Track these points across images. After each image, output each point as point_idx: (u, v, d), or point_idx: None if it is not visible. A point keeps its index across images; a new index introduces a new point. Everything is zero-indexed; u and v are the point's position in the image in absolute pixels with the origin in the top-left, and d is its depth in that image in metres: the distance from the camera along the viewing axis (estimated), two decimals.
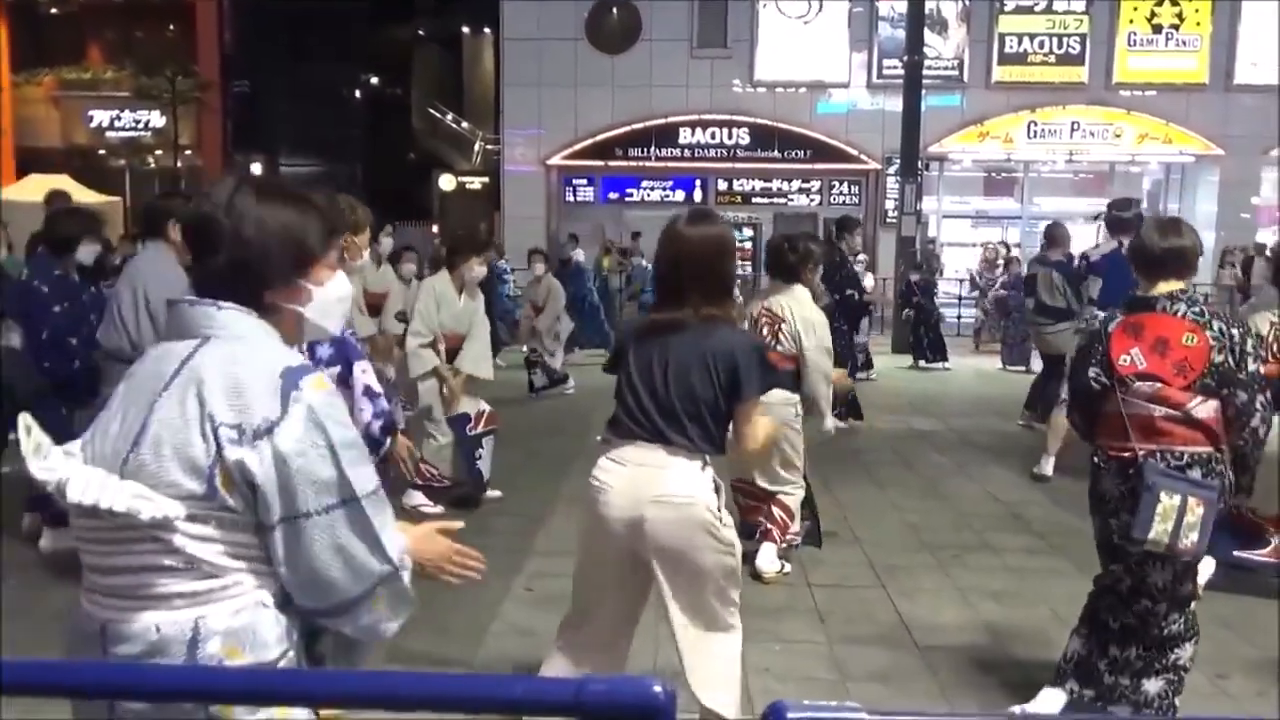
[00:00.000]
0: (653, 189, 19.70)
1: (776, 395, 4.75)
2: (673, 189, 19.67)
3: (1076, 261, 7.03)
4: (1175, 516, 2.86)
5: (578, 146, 19.26)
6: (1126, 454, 3.01)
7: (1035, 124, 19.34)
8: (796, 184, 19.65)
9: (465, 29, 30.42)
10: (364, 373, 3.23)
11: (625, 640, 2.93)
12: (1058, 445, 6.74)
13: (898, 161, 15.95)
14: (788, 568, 4.83)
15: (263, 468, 1.44)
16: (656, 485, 2.66)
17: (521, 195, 19.25)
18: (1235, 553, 4.58)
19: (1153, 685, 3.12)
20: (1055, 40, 19.14)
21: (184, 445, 1.44)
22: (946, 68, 19.16)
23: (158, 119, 21.68)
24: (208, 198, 1.61)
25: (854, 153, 19.22)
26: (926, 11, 16.51)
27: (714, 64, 19.06)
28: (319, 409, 1.49)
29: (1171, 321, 3.03)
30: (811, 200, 19.62)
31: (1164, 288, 3.12)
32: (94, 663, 1.43)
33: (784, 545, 4.88)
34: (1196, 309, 3.09)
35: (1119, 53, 19.09)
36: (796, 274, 4.78)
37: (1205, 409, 3.00)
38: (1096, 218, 6.71)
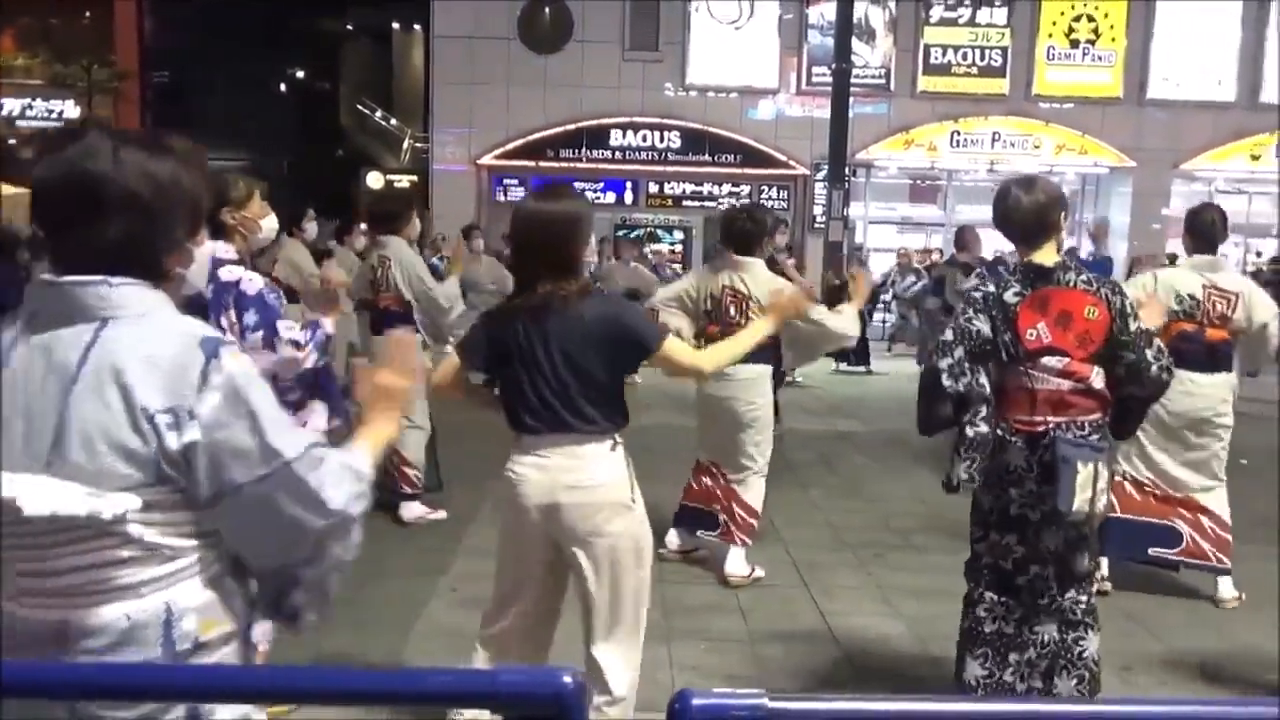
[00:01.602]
0: (584, 190, 19.71)
1: (754, 369, 4.73)
2: (604, 190, 19.70)
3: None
4: (1092, 484, 2.92)
5: (509, 146, 19.18)
6: (1037, 427, 3.02)
7: (958, 133, 19.82)
8: (727, 188, 19.83)
9: (396, 25, 30.07)
10: (289, 329, 3.26)
11: (547, 632, 2.96)
12: None
13: (826, 167, 16.20)
14: (759, 571, 4.86)
15: (197, 447, 1.42)
16: (571, 474, 2.71)
17: (451, 194, 19.08)
18: (1150, 550, 4.72)
19: (1065, 684, 3.11)
20: (978, 52, 19.64)
21: (120, 440, 1.39)
22: (874, 76, 19.52)
23: (72, 109, 21.00)
24: (65, 155, 1.44)
25: (783, 158, 19.48)
26: (855, 21, 16.80)
27: (646, 66, 19.16)
28: (239, 378, 1.45)
29: (1073, 295, 3.05)
30: (741, 204, 19.82)
31: (1047, 253, 3.10)
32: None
33: (748, 546, 4.88)
34: (1084, 277, 3.12)
35: (1038, 66, 19.66)
36: (751, 245, 4.78)
37: (1099, 378, 3.07)
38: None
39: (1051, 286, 3.05)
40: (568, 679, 0.89)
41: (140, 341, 1.42)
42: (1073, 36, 19.63)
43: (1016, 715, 1.32)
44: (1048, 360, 3.02)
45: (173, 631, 1.43)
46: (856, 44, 18.30)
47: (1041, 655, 3.12)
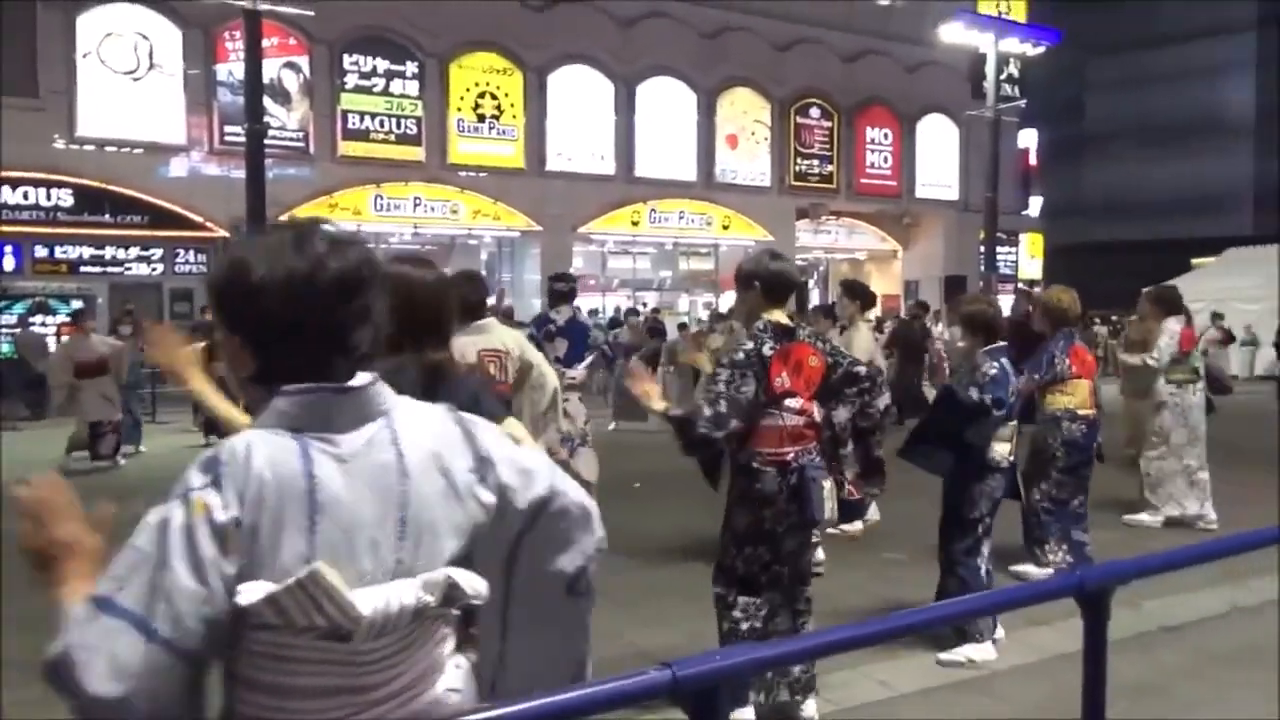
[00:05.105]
0: None
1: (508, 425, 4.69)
2: None
3: (544, 325, 7.52)
4: (832, 496, 3.63)
5: None
6: (785, 457, 3.61)
7: (382, 198, 20.30)
8: (135, 251, 18.06)
9: None
10: None
11: None
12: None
13: (246, 229, 15.53)
14: None
15: (502, 474, 1.48)
16: None
17: None
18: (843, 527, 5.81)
19: (809, 623, 3.82)
20: (394, 120, 20.35)
21: (454, 518, 1.42)
22: (293, 139, 19.24)
23: None
24: (353, 247, 1.42)
25: (198, 219, 18.28)
26: (266, 81, 16.42)
27: (24, 115, 16.72)
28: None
29: (805, 348, 3.71)
30: (154, 269, 18.19)
31: (780, 312, 3.73)
32: None
33: None
34: (808, 332, 3.85)
35: (451, 137, 20.94)
36: (482, 309, 5.00)
37: (819, 413, 3.73)
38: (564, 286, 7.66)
39: (793, 342, 3.68)
40: None
41: (426, 424, 1.45)
42: (479, 111, 21.25)
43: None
44: (789, 402, 3.64)
45: (474, 695, 1.47)
46: (272, 105, 17.90)
47: (790, 611, 3.73)
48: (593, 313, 21.09)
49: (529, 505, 1.49)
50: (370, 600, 1.30)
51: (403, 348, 2.68)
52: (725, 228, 24.37)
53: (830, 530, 6.66)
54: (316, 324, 1.37)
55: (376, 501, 1.36)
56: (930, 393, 12.49)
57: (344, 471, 1.34)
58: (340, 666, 1.33)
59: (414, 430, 1.42)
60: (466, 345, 5.05)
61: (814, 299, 25.91)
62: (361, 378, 1.39)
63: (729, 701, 1.63)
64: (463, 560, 1.42)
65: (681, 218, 23.99)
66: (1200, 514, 7.11)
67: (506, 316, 13.13)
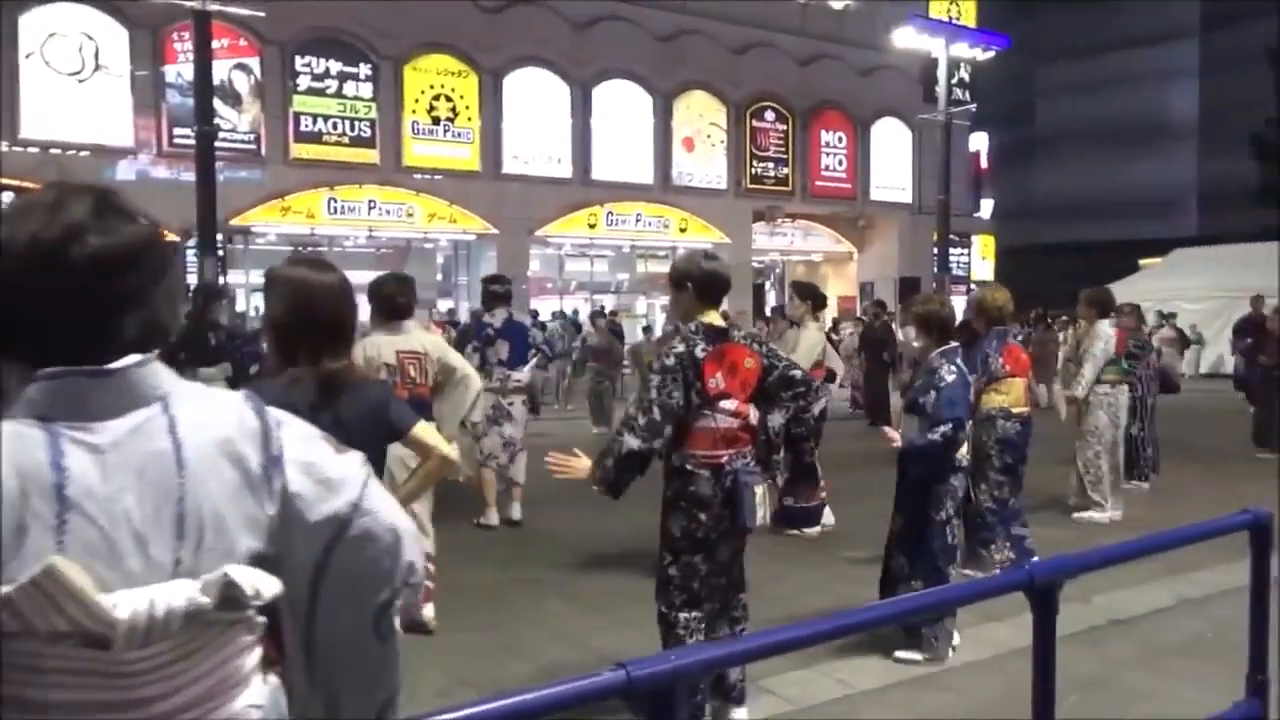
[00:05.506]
0: None
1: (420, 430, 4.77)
2: None
3: (483, 330, 7.35)
4: (763, 502, 3.58)
5: None
6: (719, 459, 3.55)
7: (335, 201, 20.07)
8: None
9: None
10: None
11: None
12: (493, 494, 7.13)
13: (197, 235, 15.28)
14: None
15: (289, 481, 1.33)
16: None
17: None
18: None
19: (735, 673, 3.73)
20: (348, 123, 20.13)
21: (247, 511, 1.26)
22: (244, 141, 18.97)
23: None
24: (120, 219, 1.24)
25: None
26: (217, 83, 16.18)
27: None
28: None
29: (740, 349, 3.65)
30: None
31: (714, 314, 3.66)
32: None
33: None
34: (743, 333, 3.79)
35: (405, 139, 20.76)
36: (407, 312, 4.97)
37: (754, 415, 3.66)
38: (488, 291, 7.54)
39: (726, 343, 3.63)
40: None
41: (217, 411, 1.29)
42: (434, 114, 21.09)
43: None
44: (724, 404, 3.58)
45: (284, 713, 1.32)
46: (222, 107, 17.64)
47: (730, 619, 3.70)
48: (558, 315, 21.05)
49: (323, 520, 1.29)
50: (129, 602, 1.15)
51: (298, 357, 2.53)
52: (682, 230, 24.43)
53: (790, 532, 6.71)
54: (61, 305, 1.20)
55: (144, 494, 1.21)
56: (895, 396, 12.62)
57: (101, 463, 1.19)
58: (106, 678, 1.18)
59: (199, 417, 1.26)
60: (384, 345, 4.90)
61: (770, 301, 26.07)
62: (128, 358, 1.23)
63: (684, 705, 1.63)
64: (267, 562, 1.27)
65: (639, 220, 24.01)
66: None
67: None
